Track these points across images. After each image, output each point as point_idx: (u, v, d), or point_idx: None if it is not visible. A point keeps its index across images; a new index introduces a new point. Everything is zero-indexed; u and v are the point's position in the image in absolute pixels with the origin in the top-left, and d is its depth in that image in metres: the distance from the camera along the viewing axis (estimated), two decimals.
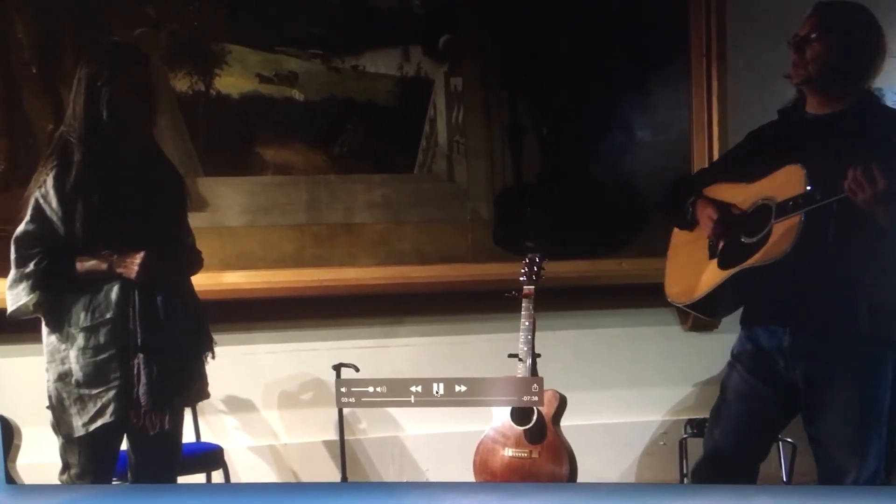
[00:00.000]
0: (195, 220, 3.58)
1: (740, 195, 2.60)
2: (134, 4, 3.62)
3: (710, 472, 2.72)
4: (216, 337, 3.59)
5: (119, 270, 2.60)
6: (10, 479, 3.16)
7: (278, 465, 3.73)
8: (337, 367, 3.33)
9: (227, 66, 3.67)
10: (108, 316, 2.61)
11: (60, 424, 2.65)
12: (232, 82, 3.68)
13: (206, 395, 2.91)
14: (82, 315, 2.61)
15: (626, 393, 3.87)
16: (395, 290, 3.71)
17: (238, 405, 3.73)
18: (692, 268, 2.72)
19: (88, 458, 2.66)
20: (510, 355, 3.30)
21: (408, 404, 2.97)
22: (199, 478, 3.39)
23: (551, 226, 3.78)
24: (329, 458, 3.70)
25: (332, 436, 3.60)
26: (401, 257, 3.75)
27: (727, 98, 3.70)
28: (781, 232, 2.43)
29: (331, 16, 3.71)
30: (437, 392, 2.94)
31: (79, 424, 2.60)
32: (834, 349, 2.44)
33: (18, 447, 3.28)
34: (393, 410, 3.77)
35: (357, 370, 3.33)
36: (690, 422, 3.45)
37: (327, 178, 3.73)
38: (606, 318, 3.86)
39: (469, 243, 3.78)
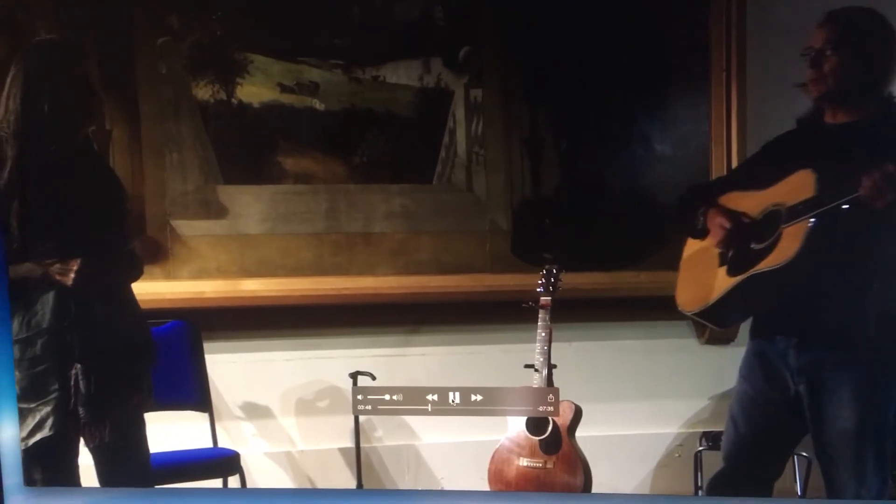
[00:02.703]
0: (216, 227, 3.66)
1: (752, 203, 2.60)
2: (157, 14, 3.64)
3: (724, 488, 2.72)
4: (234, 344, 3.67)
5: (55, 277, 2.53)
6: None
7: (294, 471, 3.75)
8: (354, 375, 3.35)
9: (248, 76, 3.70)
10: (44, 326, 2.54)
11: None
12: (253, 91, 3.71)
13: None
14: (17, 326, 2.54)
15: (642, 405, 3.86)
16: (412, 300, 3.72)
17: (255, 412, 3.76)
18: (702, 276, 2.73)
19: (45, 470, 2.60)
20: (526, 366, 3.30)
21: (424, 412, 2.99)
22: (216, 483, 3.41)
23: (569, 237, 3.79)
24: (345, 466, 3.72)
25: (348, 443, 3.62)
26: (419, 267, 3.76)
27: (747, 112, 3.70)
28: (790, 236, 2.44)
29: (352, 27, 3.73)
30: (453, 401, 2.96)
31: (19, 439, 2.54)
32: (840, 360, 2.42)
33: None
34: (409, 418, 3.77)
35: (374, 378, 3.35)
36: (706, 434, 3.46)
37: (347, 187, 3.75)
38: (623, 330, 3.86)
39: (487, 254, 3.79)
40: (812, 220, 2.38)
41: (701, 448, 3.47)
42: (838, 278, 2.42)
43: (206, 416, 3.56)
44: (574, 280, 3.49)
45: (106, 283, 2.63)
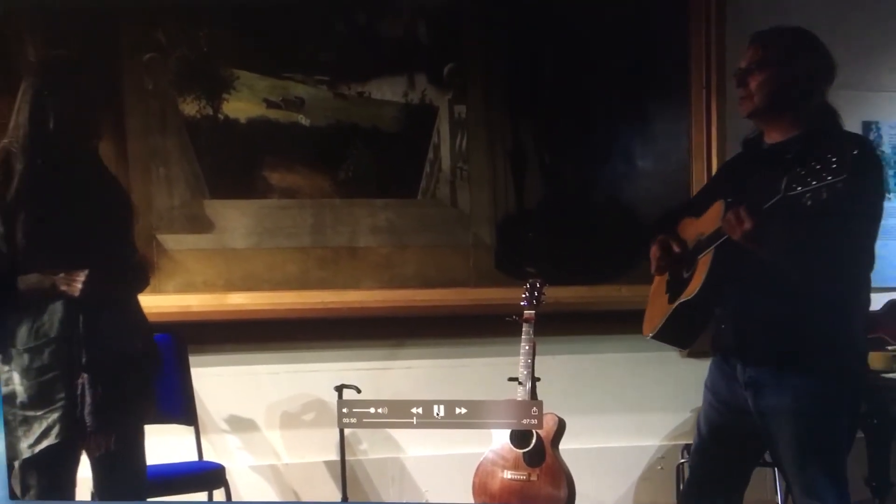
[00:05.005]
0: (202, 241, 3.68)
1: (692, 231, 2.63)
2: (144, 30, 3.67)
3: (692, 497, 2.74)
4: (220, 357, 3.68)
5: (63, 288, 2.54)
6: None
7: (279, 484, 3.76)
8: (339, 388, 3.37)
9: (234, 91, 3.73)
10: (51, 335, 2.55)
11: (8, 447, 2.55)
12: (239, 107, 3.73)
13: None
14: (25, 335, 2.55)
15: (625, 418, 3.90)
16: (397, 314, 3.76)
17: (240, 425, 3.77)
18: (656, 302, 2.77)
19: (45, 479, 2.58)
20: (510, 379, 3.33)
21: (409, 425, 2.99)
22: (201, 496, 3.41)
23: (552, 252, 3.83)
24: (330, 479, 3.73)
25: (334, 456, 3.63)
26: (403, 281, 3.79)
27: (726, 129, 3.76)
28: (701, 267, 2.47)
29: (338, 43, 3.77)
30: (437, 414, 2.97)
31: (24, 447, 2.53)
32: (775, 379, 2.42)
33: None
34: (393, 432, 3.80)
35: (359, 391, 3.36)
36: (687, 447, 3.48)
37: (332, 202, 3.78)
38: (605, 344, 3.89)
39: (471, 268, 3.82)
40: (713, 251, 2.41)
41: (683, 461, 3.51)
42: (753, 303, 2.44)
43: (191, 429, 3.57)
44: (557, 294, 3.53)
45: (113, 293, 2.64)
